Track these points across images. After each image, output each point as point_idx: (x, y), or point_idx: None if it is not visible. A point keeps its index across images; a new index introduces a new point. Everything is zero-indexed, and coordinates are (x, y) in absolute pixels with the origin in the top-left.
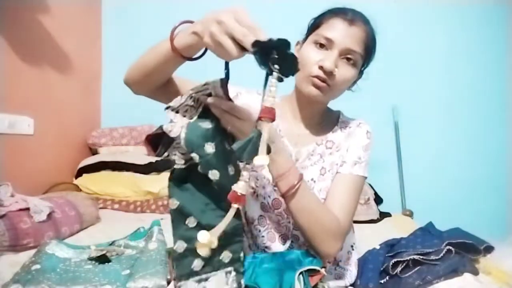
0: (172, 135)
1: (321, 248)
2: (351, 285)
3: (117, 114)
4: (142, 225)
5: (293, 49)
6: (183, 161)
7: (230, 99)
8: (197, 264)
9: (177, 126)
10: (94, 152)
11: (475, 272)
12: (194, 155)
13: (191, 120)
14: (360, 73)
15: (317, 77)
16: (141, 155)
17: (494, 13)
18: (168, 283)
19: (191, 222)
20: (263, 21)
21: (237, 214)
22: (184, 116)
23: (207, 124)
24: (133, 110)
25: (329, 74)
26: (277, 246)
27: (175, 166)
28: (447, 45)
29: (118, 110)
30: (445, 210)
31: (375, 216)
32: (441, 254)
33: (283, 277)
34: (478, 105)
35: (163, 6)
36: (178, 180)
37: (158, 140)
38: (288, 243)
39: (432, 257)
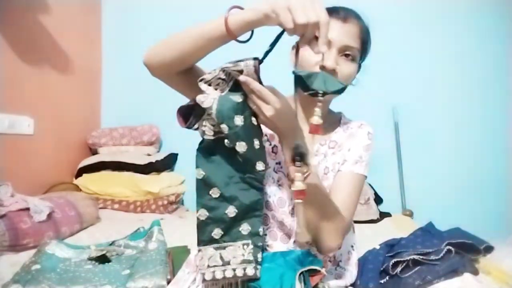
0: (204, 105)
1: (324, 241)
2: (351, 285)
3: (117, 114)
4: (142, 225)
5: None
6: (212, 133)
7: (260, 81)
8: (217, 232)
9: (210, 97)
10: (94, 152)
11: (475, 272)
12: (223, 126)
13: (222, 93)
14: (358, 67)
15: None
16: (141, 155)
17: (494, 13)
18: (168, 283)
19: (214, 192)
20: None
21: (258, 189)
22: (216, 89)
23: (237, 98)
24: (133, 110)
25: (332, 72)
26: (279, 245)
27: (204, 137)
28: (447, 45)
29: (118, 110)
30: (445, 210)
31: (375, 216)
32: (441, 254)
33: (283, 277)
34: (478, 105)
35: (163, 6)
36: (205, 151)
37: (189, 113)
38: (290, 242)
39: (432, 257)
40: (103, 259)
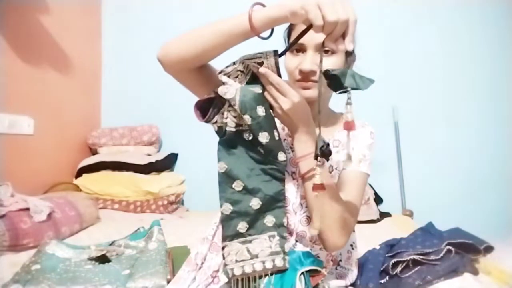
0: (227, 96)
1: (331, 239)
2: (351, 284)
3: (117, 114)
4: (142, 225)
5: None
6: (234, 124)
7: (279, 74)
8: (242, 226)
9: (232, 88)
10: (94, 152)
11: (475, 272)
12: (246, 117)
13: (242, 85)
14: (351, 56)
15: (301, 80)
16: (141, 155)
17: (495, 13)
18: (168, 283)
19: (237, 185)
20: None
21: (281, 179)
22: (235, 81)
23: (257, 89)
24: (133, 110)
25: (310, 73)
26: None
27: (226, 129)
28: (447, 45)
29: (118, 110)
30: (445, 210)
31: (375, 216)
32: (441, 254)
33: (284, 277)
34: (478, 105)
35: (163, 6)
36: (227, 144)
37: (207, 107)
38: (292, 240)
39: (432, 257)
40: (103, 259)
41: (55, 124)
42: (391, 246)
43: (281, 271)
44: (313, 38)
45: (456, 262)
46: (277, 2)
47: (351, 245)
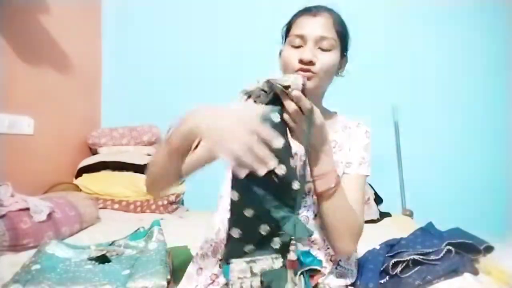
0: None
1: (341, 247)
2: (351, 284)
3: (117, 114)
4: (142, 225)
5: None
6: None
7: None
8: (249, 249)
9: None
10: (94, 152)
11: (475, 272)
12: None
13: (260, 106)
14: (344, 57)
15: (300, 69)
16: (141, 155)
17: (495, 12)
18: (168, 283)
19: (248, 213)
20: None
21: (292, 207)
22: (255, 102)
23: (275, 117)
24: (133, 110)
25: (310, 63)
26: None
27: None
28: (447, 45)
29: (118, 110)
30: (445, 210)
31: (375, 216)
32: (441, 254)
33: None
34: (478, 105)
35: (163, 6)
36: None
37: None
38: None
39: (432, 257)
40: (103, 259)
41: (55, 124)
42: (391, 246)
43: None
44: (314, 31)
45: (456, 262)
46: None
47: None
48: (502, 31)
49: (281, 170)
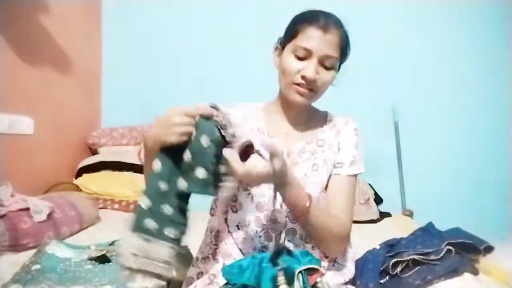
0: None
1: (330, 251)
2: (351, 283)
3: (117, 114)
4: None
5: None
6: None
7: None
8: (150, 224)
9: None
10: (94, 152)
11: (475, 272)
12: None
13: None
14: (338, 68)
15: (300, 84)
16: (141, 155)
17: (495, 12)
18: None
19: (162, 187)
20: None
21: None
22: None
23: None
24: (133, 110)
25: (311, 81)
26: (274, 245)
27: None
28: (447, 45)
29: (118, 110)
30: (445, 210)
31: (375, 216)
32: (441, 254)
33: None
34: (478, 105)
35: (162, 6)
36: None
37: None
38: (285, 243)
39: (432, 257)
40: (103, 259)
41: (55, 124)
42: (391, 246)
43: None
44: (321, 49)
45: (456, 262)
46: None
47: None
48: (502, 31)
49: (200, 173)
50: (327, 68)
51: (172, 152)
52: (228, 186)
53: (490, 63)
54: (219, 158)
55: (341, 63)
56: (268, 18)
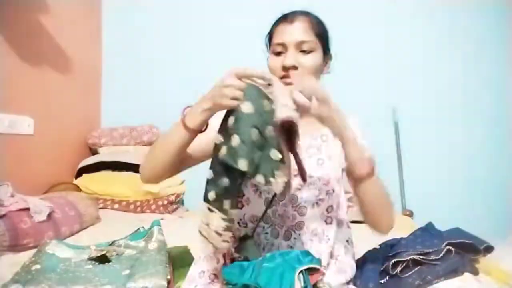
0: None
1: (387, 222)
2: (352, 283)
3: (117, 114)
4: (142, 225)
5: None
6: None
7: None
8: (211, 196)
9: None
10: (94, 152)
11: (475, 272)
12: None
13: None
14: (327, 55)
15: (285, 76)
16: (141, 155)
17: (495, 12)
18: (168, 283)
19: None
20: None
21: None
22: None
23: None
24: (133, 110)
25: (292, 68)
26: (280, 242)
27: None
28: (447, 45)
29: (118, 110)
30: (445, 210)
31: None
32: (441, 254)
33: (283, 276)
34: (478, 105)
35: (163, 6)
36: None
37: None
38: (291, 239)
39: (432, 257)
40: (103, 259)
41: (55, 124)
42: (391, 246)
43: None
44: (292, 37)
45: (456, 262)
46: (199, 98)
47: (347, 241)
48: (502, 31)
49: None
50: (306, 52)
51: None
52: (280, 180)
53: (491, 63)
54: (258, 129)
55: (325, 47)
56: (269, 19)
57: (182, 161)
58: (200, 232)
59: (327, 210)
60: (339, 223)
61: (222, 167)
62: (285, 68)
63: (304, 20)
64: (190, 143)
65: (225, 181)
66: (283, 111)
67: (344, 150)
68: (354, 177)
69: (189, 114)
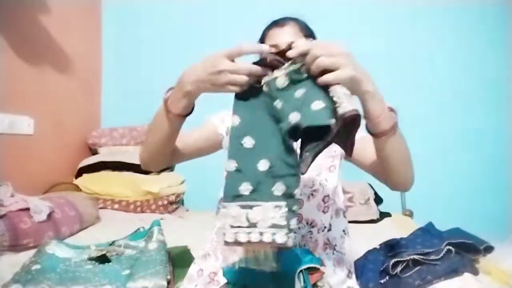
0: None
1: (413, 179)
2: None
3: (117, 114)
4: (142, 225)
5: None
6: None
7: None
8: (245, 187)
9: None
10: (94, 152)
11: (475, 272)
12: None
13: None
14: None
15: None
16: None
17: (494, 13)
18: (168, 283)
19: (247, 142)
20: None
21: (293, 150)
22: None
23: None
24: (133, 110)
25: None
26: None
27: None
28: (447, 45)
29: (118, 110)
30: (445, 210)
31: (375, 216)
32: (441, 254)
33: (283, 275)
34: (478, 105)
35: (163, 6)
36: (246, 97)
37: None
38: (306, 228)
39: (432, 257)
40: (103, 259)
41: (55, 124)
42: (391, 246)
43: (282, 250)
44: (284, 39)
45: (456, 262)
46: (178, 81)
47: (343, 231)
48: (502, 31)
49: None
50: None
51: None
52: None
53: (491, 63)
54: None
55: None
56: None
57: (176, 152)
58: (227, 242)
59: (323, 200)
60: (337, 213)
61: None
62: None
63: (294, 25)
64: (180, 128)
65: (262, 163)
66: (346, 105)
67: (367, 106)
68: (379, 133)
69: (171, 99)
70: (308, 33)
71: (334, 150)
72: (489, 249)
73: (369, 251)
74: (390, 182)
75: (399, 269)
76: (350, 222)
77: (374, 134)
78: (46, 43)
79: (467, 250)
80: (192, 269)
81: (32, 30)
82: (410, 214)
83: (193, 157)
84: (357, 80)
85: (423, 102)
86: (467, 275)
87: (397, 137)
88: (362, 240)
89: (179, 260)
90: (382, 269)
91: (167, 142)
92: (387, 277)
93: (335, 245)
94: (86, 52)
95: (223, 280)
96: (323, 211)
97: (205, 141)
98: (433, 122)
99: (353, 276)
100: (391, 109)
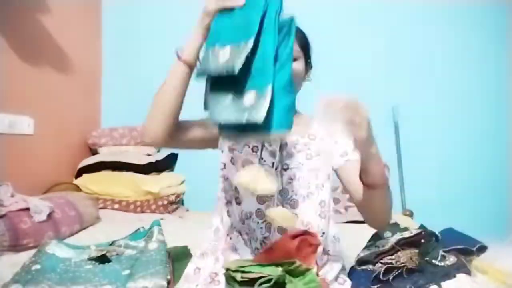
0: None
1: (383, 224)
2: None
3: (117, 114)
4: (142, 225)
5: None
6: None
7: None
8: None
9: None
10: (94, 152)
11: (468, 273)
12: None
13: None
14: (309, 65)
15: None
16: (141, 155)
17: (494, 13)
18: (168, 283)
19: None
20: None
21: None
22: None
23: None
24: (133, 110)
25: None
26: (276, 236)
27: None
28: (447, 45)
29: (118, 110)
30: (445, 210)
31: None
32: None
33: None
34: (478, 105)
35: (163, 6)
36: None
37: None
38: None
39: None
40: (103, 259)
41: (55, 124)
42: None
43: None
44: None
45: (448, 267)
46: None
47: (333, 237)
48: (502, 31)
49: None
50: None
51: None
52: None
53: (491, 63)
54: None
55: (306, 57)
56: None
57: (179, 129)
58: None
59: (320, 204)
60: (329, 220)
61: None
62: None
63: None
64: (188, 82)
65: None
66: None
67: (369, 165)
68: (372, 185)
69: (187, 43)
70: (303, 42)
71: (336, 162)
72: (482, 249)
73: (362, 251)
74: (367, 221)
75: (391, 276)
76: (350, 222)
77: (368, 185)
78: (46, 43)
79: (460, 252)
80: (189, 268)
81: (32, 30)
82: (410, 214)
83: (193, 144)
84: (369, 142)
85: (423, 102)
86: (460, 276)
87: (385, 190)
88: (361, 240)
89: (179, 260)
90: (374, 275)
91: (173, 102)
92: (378, 285)
93: (328, 250)
94: (86, 52)
95: (223, 281)
96: (320, 216)
97: (204, 132)
98: (433, 122)
99: (344, 275)
100: (385, 165)
